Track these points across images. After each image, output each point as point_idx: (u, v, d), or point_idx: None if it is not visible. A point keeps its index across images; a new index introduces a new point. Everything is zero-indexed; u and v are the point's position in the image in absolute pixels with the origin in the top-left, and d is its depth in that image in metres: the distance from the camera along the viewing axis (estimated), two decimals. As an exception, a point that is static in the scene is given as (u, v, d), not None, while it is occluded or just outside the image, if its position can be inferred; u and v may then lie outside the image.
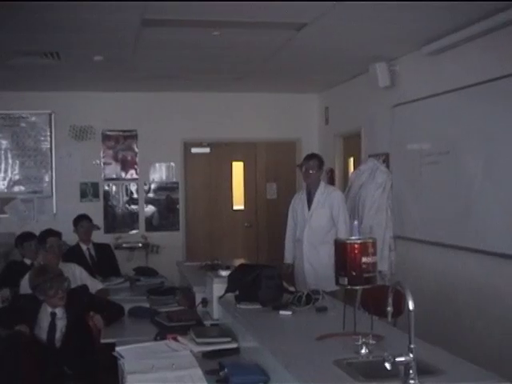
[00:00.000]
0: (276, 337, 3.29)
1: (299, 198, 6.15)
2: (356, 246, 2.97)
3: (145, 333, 4.01)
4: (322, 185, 6.06)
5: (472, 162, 5.23)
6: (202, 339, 3.66)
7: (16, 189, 8.21)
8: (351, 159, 8.16)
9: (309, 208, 5.96)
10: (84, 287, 4.98)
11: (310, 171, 5.94)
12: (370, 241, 3.02)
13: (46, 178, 8.28)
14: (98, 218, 8.03)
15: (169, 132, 8.53)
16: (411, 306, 2.46)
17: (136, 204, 8.57)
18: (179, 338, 3.72)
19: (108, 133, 8.46)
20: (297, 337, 3.33)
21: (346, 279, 2.98)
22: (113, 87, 8.01)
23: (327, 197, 5.92)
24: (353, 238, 3.03)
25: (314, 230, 5.89)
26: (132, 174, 8.56)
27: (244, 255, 7.87)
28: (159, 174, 8.65)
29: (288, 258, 6.16)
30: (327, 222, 5.86)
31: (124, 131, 8.49)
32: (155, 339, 3.83)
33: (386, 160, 6.76)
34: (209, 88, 8.27)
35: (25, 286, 4.84)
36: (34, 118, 8.24)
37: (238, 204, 9.11)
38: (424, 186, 6.00)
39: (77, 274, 5.43)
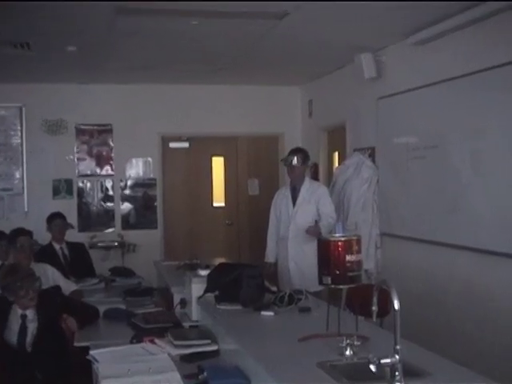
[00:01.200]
0: (257, 338, 3.29)
1: (283, 194, 6.15)
2: (340, 243, 2.98)
3: (120, 335, 3.98)
4: (307, 180, 6.06)
5: (460, 155, 5.25)
6: (180, 341, 3.64)
7: (-15, 186, 8.14)
8: (336, 154, 8.17)
9: (293, 205, 5.96)
10: (57, 288, 4.95)
11: (295, 166, 5.93)
12: (355, 238, 3.03)
13: (17, 175, 8.20)
14: (72, 216, 7.98)
15: (146, 126, 8.49)
16: (397, 305, 2.46)
17: (112, 201, 8.53)
18: (156, 340, 3.70)
19: (82, 127, 8.40)
20: (279, 338, 3.33)
21: (330, 278, 2.98)
22: (87, 79, 7.95)
23: (313, 193, 5.92)
24: (336, 235, 3.03)
25: (300, 227, 5.89)
26: (107, 169, 8.52)
27: (225, 254, 7.86)
28: (136, 169, 8.61)
29: (270, 257, 6.17)
30: (313, 218, 5.86)
31: (99, 125, 8.44)
32: (131, 342, 3.81)
33: (371, 154, 6.78)
34: (188, 80, 8.24)
35: (-5, 288, 4.78)
36: (3, 112, 8.15)
37: (219, 201, 9.10)
38: (411, 181, 6.03)
39: (49, 275, 5.39)
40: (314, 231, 5.63)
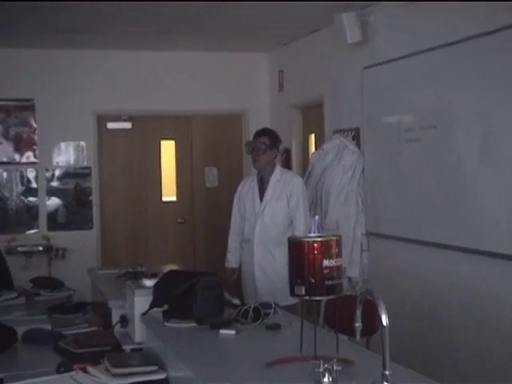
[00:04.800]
0: (215, 363, 3.27)
1: (248, 186, 6.13)
2: (315, 245, 2.96)
3: (44, 363, 3.91)
4: (278, 169, 6.04)
5: (465, 138, 5.27)
6: (119, 369, 3.60)
7: None
8: (312, 136, 8.21)
9: (261, 199, 5.95)
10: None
11: (261, 152, 5.92)
12: (335, 239, 3.02)
13: None
14: (-15, 215, 7.92)
15: (77, 102, 8.46)
16: (385, 321, 2.46)
17: (35, 196, 8.49)
18: (90, 368, 3.66)
19: (-5, 102, 8.35)
20: (242, 363, 3.31)
21: (304, 288, 2.96)
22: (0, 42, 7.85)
23: (285, 185, 5.92)
24: (312, 234, 3.01)
25: (268, 227, 5.89)
26: (29, 156, 8.46)
27: (176, 260, 7.86)
28: (65, 156, 8.58)
29: (231, 262, 6.17)
30: (284, 217, 5.86)
31: (17, 100, 8.38)
32: (58, 371, 3.76)
33: (355, 137, 6.81)
34: (129, 45, 8.21)
35: None
36: None
37: (169, 194, 9.11)
38: (404, 170, 6.05)
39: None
40: None
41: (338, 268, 3.01)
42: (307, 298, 3.02)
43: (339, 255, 3.02)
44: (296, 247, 3.03)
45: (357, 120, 6.81)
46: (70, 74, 8.43)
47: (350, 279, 6.45)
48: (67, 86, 8.41)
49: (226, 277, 5.97)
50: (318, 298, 3.08)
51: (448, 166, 5.46)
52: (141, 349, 4.12)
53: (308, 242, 2.99)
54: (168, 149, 9.08)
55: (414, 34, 5.89)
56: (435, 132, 5.61)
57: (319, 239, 2.99)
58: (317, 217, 3.21)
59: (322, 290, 2.99)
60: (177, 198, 9.11)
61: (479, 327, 5.21)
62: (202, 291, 3.97)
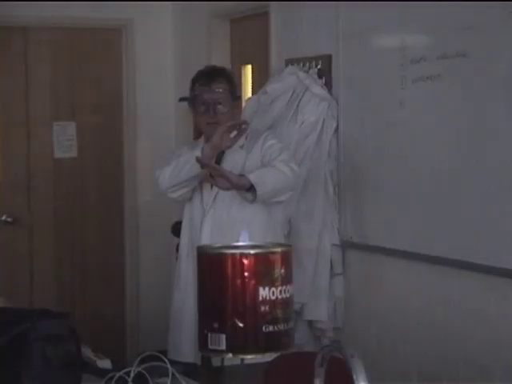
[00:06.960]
0: None
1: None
2: (245, 261, 2.93)
3: None
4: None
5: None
6: None
7: None
8: (248, 68, 8.32)
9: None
10: None
11: (225, 103, 6.04)
12: (279, 250, 3.00)
13: None
14: None
15: None
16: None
17: None
18: None
19: None
20: None
21: (224, 338, 2.94)
22: None
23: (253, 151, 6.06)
24: (240, 243, 2.99)
25: (221, 224, 6.01)
26: None
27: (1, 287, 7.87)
28: None
29: None
30: (252, 208, 5.98)
31: None
32: None
33: (324, 71, 6.86)
34: None
35: None
36: None
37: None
38: (409, 132, 6.07)
39: None
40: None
41: (286, 302, 2.99)
42: (230, 355, 2.99)
43: (288, 280, 3.00)
44: (211, 265, 3.00)
45: (326, 41, 6.86)
46: None
47: (310, 324, 6.46)
48: None
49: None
50: (249, 357, 3.05)
51: (482, 121, 5.54)
52: None
53: (233, 255, 2.96)
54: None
55: None
56: (467, 63, 5.65)
57: (252, 251, 2.97)
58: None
59: (256, 342, 2.98)
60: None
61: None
62: (40, 346, 3.98)
